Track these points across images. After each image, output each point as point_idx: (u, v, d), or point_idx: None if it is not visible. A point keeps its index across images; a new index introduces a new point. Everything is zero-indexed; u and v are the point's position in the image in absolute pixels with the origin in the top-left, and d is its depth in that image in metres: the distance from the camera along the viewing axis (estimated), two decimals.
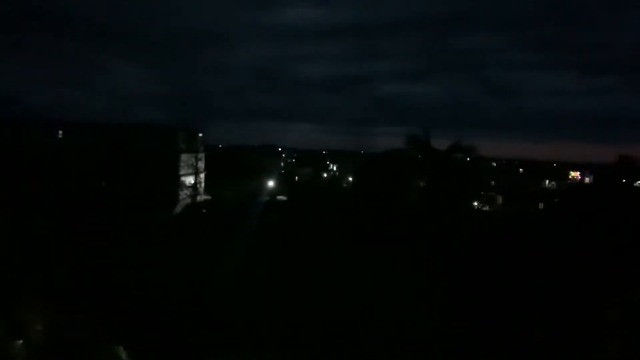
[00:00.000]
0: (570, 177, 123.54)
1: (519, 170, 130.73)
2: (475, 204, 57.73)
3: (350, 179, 79.09)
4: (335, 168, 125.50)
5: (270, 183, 65.89)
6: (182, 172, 64.44)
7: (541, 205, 71.28)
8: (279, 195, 69.07)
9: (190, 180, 65.87)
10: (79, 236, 30.05)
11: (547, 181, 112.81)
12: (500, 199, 79.75)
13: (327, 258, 36.89)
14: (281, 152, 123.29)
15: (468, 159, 39.97)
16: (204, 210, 60.89)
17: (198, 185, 66.37)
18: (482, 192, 62.54)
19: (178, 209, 61.23)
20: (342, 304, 28.98)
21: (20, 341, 16.27)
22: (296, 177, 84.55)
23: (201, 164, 70.94)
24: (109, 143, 58.37)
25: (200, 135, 71.12)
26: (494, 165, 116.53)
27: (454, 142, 37.27)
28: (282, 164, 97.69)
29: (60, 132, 63.57)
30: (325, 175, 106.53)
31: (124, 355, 19.04)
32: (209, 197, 67.85)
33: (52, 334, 17.19)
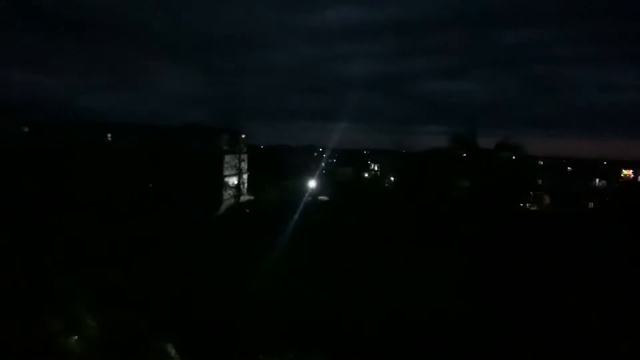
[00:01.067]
0: (622, 175, 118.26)
1: (567, 169, 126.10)
2: (523, 204, 56.00)
3: (392, 178, 78.26)
4: (376, 168, 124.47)
5: (312, 183, 65.98)
6: (225, 172, 65.35)
7: (591, 205, 68.55)
8: (320, 195, 69.08)
9: (233, 180, 66.77)
10: (128, 235, 30.99)
11: (597, 180, 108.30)
12: (548, 199, 77.10)
13: (369, 259, 36.66)
14: (322, 152, 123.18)
15: (514, 157, 38.89)
16: (247, 211, 61.66)
17: (241, 186, 67.23)
18: (529, 192, 60.59)
19: (222, 209, 62.21)
20: (385, 306, 28.72)
21: (76, 337, 16.86)
22: (337, 177, 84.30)
23: (244, 165, 71.77)
24: (156, 145, 59.87)
25: (243, 136, 71.97)
26: (541, 164, 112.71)
27: (500, 141, 36.37)
28: (323, 163, 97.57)
29: (109, 134, 65.60)
30: (366, 175, 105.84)
31: (172, 352, 19.43)
32: (252, 198, 68.62)
33: (105, 330, 17.72)
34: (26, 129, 62.90)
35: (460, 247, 31.40)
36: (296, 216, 50.22)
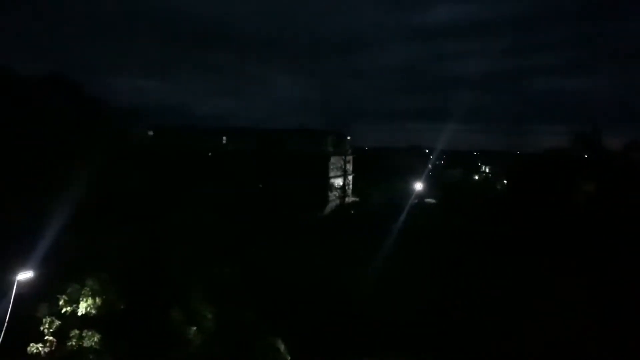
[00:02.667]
0: None
1: None
2: None
3: (505, 181, 74.29)
4: (487, 170, 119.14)
5: (418, 185, 64.49)
6: (331, 174, 66.13)
7: None
8: (427, 198, 67.44)
9: (339, 182, 67.39)
10: (241, 233, 32.43)
11: None
12: None
13: (480, 267, 35.02)
14: (429, 154, 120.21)
15: None
16: (352, 212, 61.87)
17: (346, 187, 67.64)
18: None
19: (327, 210, 63.04)
20: (493, 315, 27.23)
21: (194, 328, 17.87)
22: (445, 179, 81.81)
23: (349, 166, 72.18)
24: (264, 147, 62.20)
25: (348, 138, 72.43)
26: None
27: (630, 141, 32.94)
28: (429, 165, 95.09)
29: (223, 137, 69.48)
30: (476, 177, 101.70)
31: (282, 347, 19.89)
32: (357, 199, 68.77)
33: (221, 323, 18.60)
34: (151, 133, 68.63)
35: (583, 259, 28.86)
36: (402, 218, 49.43)
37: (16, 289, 15.55)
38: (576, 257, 29.07)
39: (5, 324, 15.34)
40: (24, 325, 15.79)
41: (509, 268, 32.50)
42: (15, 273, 15.74)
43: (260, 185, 59.11)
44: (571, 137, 33.68)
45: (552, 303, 26.36)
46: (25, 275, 15.93)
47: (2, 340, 15.23)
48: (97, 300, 16.49)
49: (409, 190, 64.42)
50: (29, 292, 16.18)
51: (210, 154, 62.03)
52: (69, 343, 15.97)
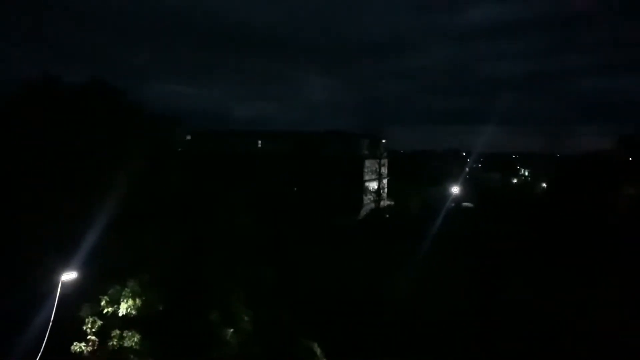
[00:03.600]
0: None
1: None
2: None
3: (545, 184, 72.35)
4: (526, 173, 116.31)
5: (455, 189, 63.53)
6: (365, 177, 65.90)
7: None
8: (464, 202, 66.37)
9: (373, 185, 67.06)
10: (277, 236, 32.59)
11: None
12: None
13: (518, 272, 34.13)
14: (466, 157, 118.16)
15: None
16: (387, 216, 61.45)
17: (381, 191, 67.24)
18: None
19: (362, 213, 62.80)
20: (538, 323, 26.46)
21: (231, 330, 18.02)
22: (483, 183, 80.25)
23: (384, 170, 71.75)
24: (299, 150, 62.47)
25: (384, 141, 71.99)
26: None
27: None
28: (467, 168, 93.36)
29: (259, 141, 70.20)
30: (515, 180, 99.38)
31: (318, 351, 19.86)
32: (392, 203, 68.26)
33: (258, 325, 18.71)
34: (188, 137, 70.02)
35: (629, 265, 27.81)
36: (438, 222, 48.74)
37: (61, 289, 16.04)
38: (622, 262, 28.03)
39: (51, 323, 15.83)
40: (68, 325, 16.26)
41: (551, 273, 31.55)
42: (60, 274, 16.24)
43: (295, 189, 59.41)
44: (615, 138, 32.39)
45: (599, 312, 25.45)
46: (69, 276, 16.41)
47: (47, 339, 15.71)
48: (137, 301, 16.81)
49: (445, 194, 63.59)
50: (72, 293, 16.66)
51: (245, 157, 62.74)
52: (110, 343, 16.34)
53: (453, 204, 61.47)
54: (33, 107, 22.39)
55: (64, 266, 16.80)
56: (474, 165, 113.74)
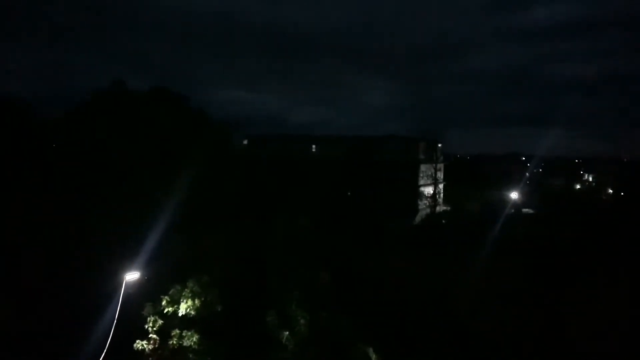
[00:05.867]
0: None
1: None
2: None
3: (611, 190, 68.58)
4: (590, 178, 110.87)
5: (514, 194, 61.31)
6: (421, 182, 64.82)
7: None
8: (524, 208, 63.95)
9: (429, 190, 65.82)
10: (331, 240, 32.54)
11: None
12: None
13: (584, 282, 32.39)
14: (526, 161, 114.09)
15: None
16: (444, 221, 60.03)
17: (437, 195, 65.88)
18: None
19: (417, 218, 61.73)
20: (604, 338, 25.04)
21: (287, 332, 18.08)
22: (545, 188, 77.09)
23: (440, 174, 70.33)
24: (354, 155, 62.30)
25: (440, 145, 70.63)
26: None
27: None
28: (527, 173, 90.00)
29: (313, 145, 70.63)
30: (578, 186, 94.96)
31: (373, 356, 19.58)
32: (448, 208, 66.70)
33: (314, 328, 18.67)
34: (245, 142, 71.50)
35: None
36: (497, 229, 47.09)
37: (124, 288, 16.64)
38: None
39: (115, 321, 16.45)
40: (131, 323, 16.83)
41: (621, 285, 29.77)
42: (124, 274, 16.86)
43: (349, 193, 59.20)
44: None
45: None
46: (132, 276, 17.02)
47: (112, 336, 16.33)
48: (197, 301, 17.20)
49: (505, 199, 61.54)
50: (136, 292, 17.25)
51: (301, 161, 63.24)
52: (170, 342, 16.79)
53: (512, 210, 59.30)
54: (101, 112, 23.46)
55: (128, 266, 17.44)
56: (535, 170, 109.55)
